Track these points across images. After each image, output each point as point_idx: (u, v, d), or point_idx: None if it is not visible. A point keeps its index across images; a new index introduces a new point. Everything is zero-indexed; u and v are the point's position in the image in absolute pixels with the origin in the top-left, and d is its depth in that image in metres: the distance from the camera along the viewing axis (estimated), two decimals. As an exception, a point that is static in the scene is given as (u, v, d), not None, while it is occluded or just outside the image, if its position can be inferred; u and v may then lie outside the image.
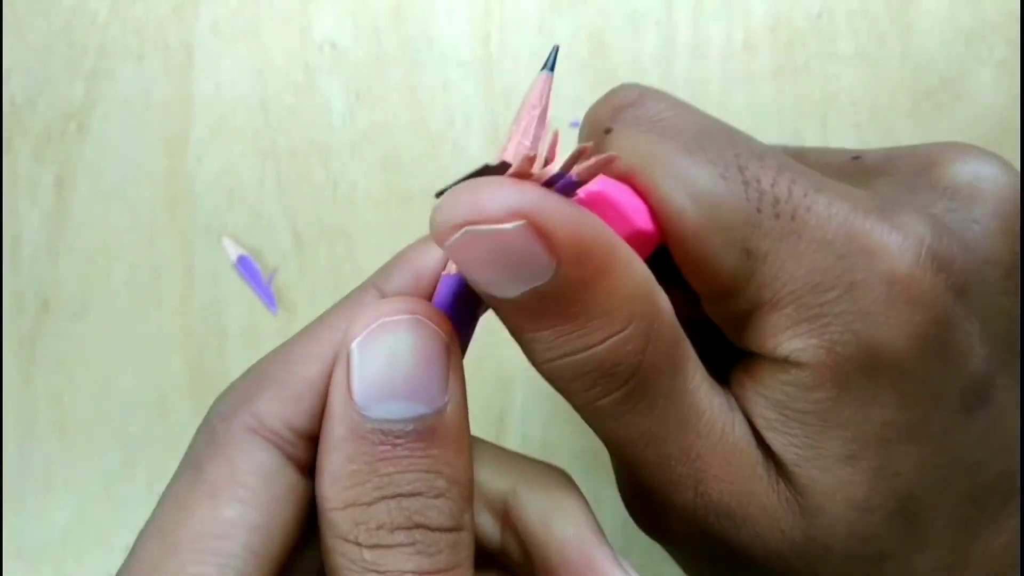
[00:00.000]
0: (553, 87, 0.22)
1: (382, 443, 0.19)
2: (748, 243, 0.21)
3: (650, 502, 0.23)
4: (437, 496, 0.19)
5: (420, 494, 0.19)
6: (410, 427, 0.19)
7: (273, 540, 0.20)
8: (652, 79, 0.39)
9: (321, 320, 0.22)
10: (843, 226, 0.21)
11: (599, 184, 0.22)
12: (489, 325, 0.39)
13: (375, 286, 0.22)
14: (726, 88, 0.39)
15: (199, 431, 0.21)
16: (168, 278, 0.40)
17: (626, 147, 0.22)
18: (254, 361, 0.22)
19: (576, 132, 0.39)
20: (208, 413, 0.21)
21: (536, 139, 0.21)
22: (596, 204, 0.22)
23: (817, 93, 0.38)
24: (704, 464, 0.21)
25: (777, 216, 0.21)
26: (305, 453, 0.20)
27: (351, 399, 0.19)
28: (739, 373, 0.23)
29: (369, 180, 0.40)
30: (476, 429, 0.38)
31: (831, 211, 0.21)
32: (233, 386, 0.21)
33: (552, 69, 0.22)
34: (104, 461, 0.40)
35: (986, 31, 0.38)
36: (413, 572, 0.18)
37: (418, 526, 0.19)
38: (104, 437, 0.40)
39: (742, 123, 0.39)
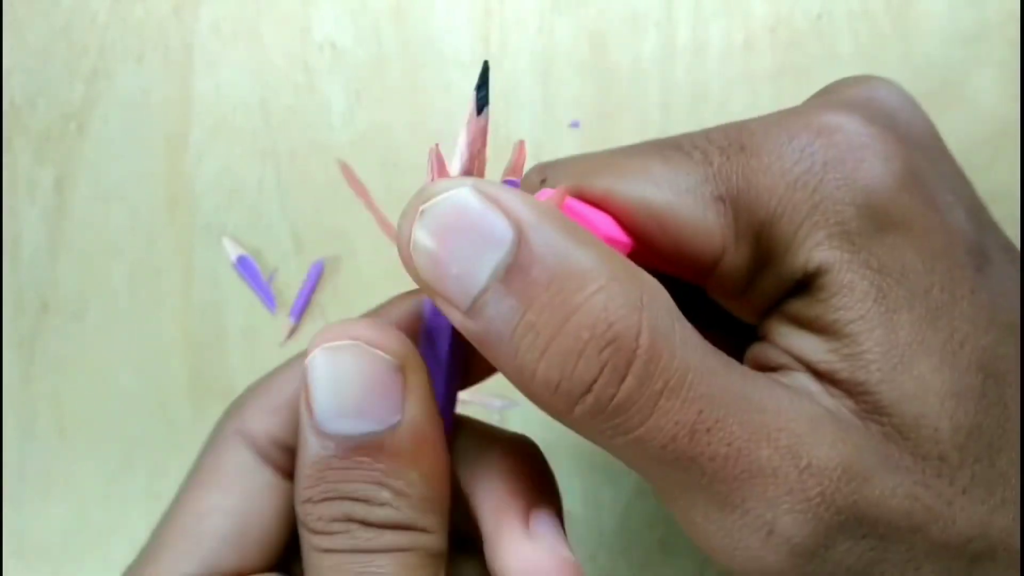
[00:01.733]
0: (490, 109, 0.23)
1: (333, 454, 0.21)
2: (716, 191, 0.22)
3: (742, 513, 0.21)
4: (381, 504, 0.21)
5: (365, 501, 0.21)
6: (356, 442, 0.21)
7: (249, 527, 0.23)
8: (652, 79, 0.39)
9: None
10: (787, 129, 0.22)
11: (560, 195, 0.23)
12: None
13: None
14: (726, 88, 0.39)
15: (212, 431, 0.25)
16: (168, 278, 0.40)
17: (566, 175, 0.23)
18: (254, 361, 0.25)
19: (576, 132, 0.39)
20: (222, 414, 0.25)
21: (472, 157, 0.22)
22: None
23: (817, 93, 0.38)
24: (795, 440, 0.20)
25: (727, 156, 0.22)
26: (282, 459, 0.24)
27: (311, 414, 0.21)
28: (779, 339, 0.22)
29: (369, 180, 0.40)
30: (476, 429, 0.38)
31: (769, 127, 0.22)
32: (241, 396, 0.25)
33: (485, 87, 0.22)
34: (104, 461, 0.40)
35: (986, 32, 0.38)
36: (349, 550, 0.21)
37: (352, 520, 0.21)
38: (104, 437, 0.40)
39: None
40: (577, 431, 0.20)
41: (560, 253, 0.18)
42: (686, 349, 0.19)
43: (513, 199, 0.19)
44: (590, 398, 0.18)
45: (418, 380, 0.21)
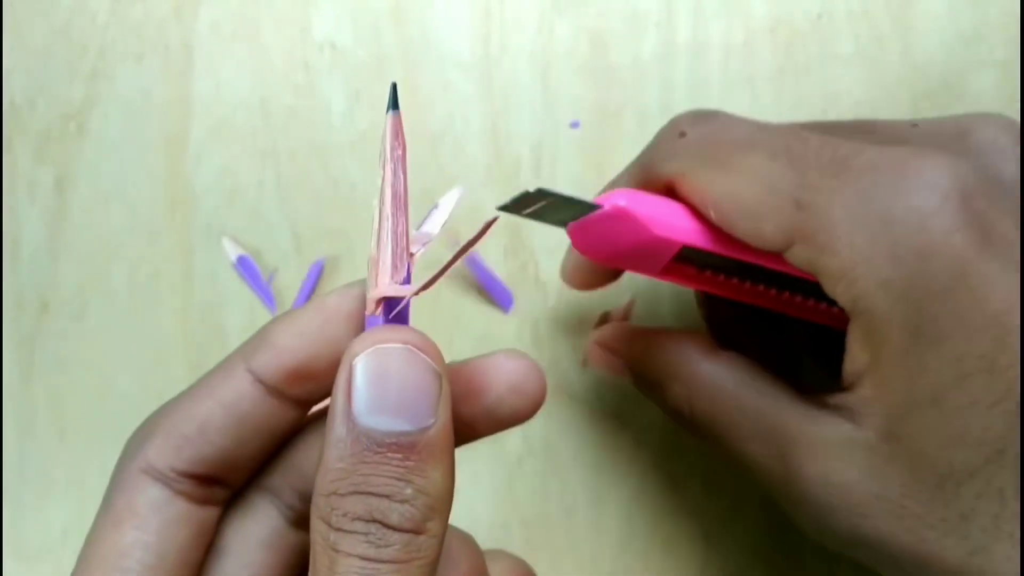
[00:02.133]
0: (403, 124, 0.25)
1: (367, 448, 0.22)
2: (798, 196, 0.26)
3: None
4: (402, 501, 0.22)
5: (387, 496, 0.22)
6: (393, 439, 0.22)
7: (168, 558, 0.24)
8: (652, 79, 0.39)
9: (221, 366, 0.26)
10: (877, 166, 0.25)
11: (624, 199, 0.28)
12: (488, 330, 0.39)
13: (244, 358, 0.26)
14: (726, 89, 0.39)
15: (113, 473, 0.26)
16: (168, 278, 0.40)
17: (687, 154, 0.29)
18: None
19: (576, 132, 0.39)
20: (120, 455, 0.26)
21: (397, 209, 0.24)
22: (615, 218, 0.28)
23: (818, 93, 0.38)
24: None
25: (821, 172, 0.26)
26: (192, 488, 0.25)
27: (351, 406, 0.22)
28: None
29: (369, 181, 0.40)
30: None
31: (866, 159, 0.25)
32: (141, 427, 0.26)
33: (396, 108, 0.25)
34: (104, 461, 0.40)
35: (986, 32, 0.38)
36: (359, 556, 0.22)
37: (375, 520, 0.22)
38: (104, 437, 0.40)
39: (742, 123, 0.39)
40: None
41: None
42: None
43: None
44: None
45: (448, 388, 0.23)
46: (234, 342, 0.39)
